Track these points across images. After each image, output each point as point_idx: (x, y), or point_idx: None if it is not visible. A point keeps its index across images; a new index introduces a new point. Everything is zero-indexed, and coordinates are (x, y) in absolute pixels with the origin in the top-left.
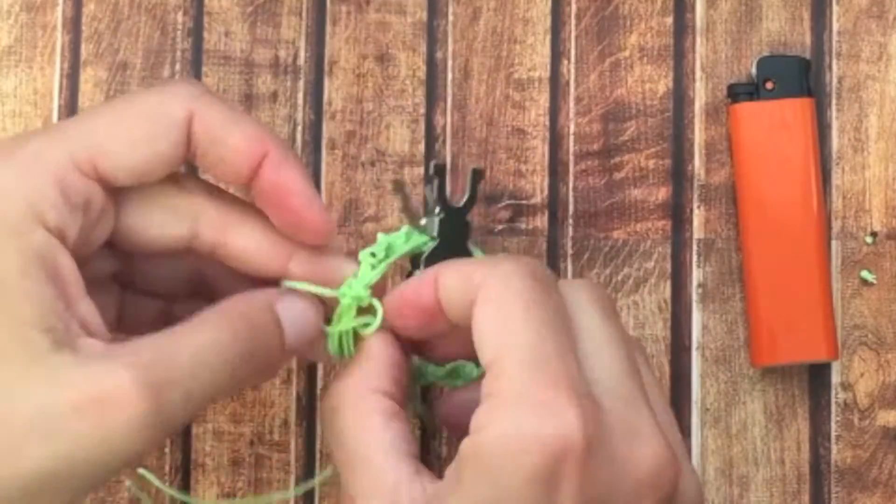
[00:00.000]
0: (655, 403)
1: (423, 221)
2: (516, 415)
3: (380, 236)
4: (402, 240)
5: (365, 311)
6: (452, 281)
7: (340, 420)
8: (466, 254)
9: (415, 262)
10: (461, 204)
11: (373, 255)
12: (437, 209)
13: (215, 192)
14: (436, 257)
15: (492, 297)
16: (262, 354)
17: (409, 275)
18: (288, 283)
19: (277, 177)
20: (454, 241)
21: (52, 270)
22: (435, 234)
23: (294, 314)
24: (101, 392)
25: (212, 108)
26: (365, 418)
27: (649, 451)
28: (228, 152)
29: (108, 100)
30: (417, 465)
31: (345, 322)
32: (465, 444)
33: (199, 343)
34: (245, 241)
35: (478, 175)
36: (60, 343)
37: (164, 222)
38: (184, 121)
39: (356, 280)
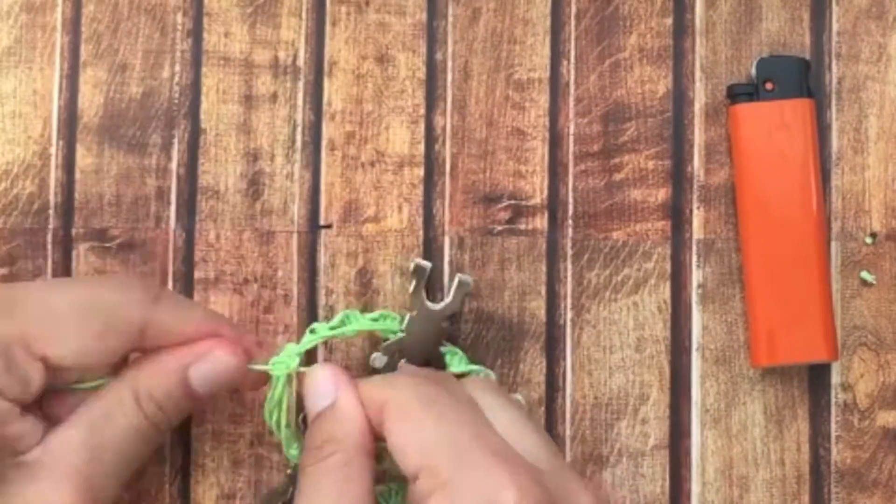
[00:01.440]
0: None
1: (396, 316)
2: (474, 495)
3: (342, 312)
4: (367, 322)
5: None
6: (363, 394)
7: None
8: (436, 355)
9: (383, 347)
10: (439, 308)
11: (312, 331)
12: (411, 306)
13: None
14: (404, 351)
15: (396, 413)
16: (175, 415)
17: (369, 358)
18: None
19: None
20: (425, 339)
21: None
22: (402, 327)
23: (204, 378)
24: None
25: (167, 314)
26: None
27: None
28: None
29: (72, 282)
30: None
31: (277, 394)
32: None
33: (117, 434)
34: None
35: (463, 286)
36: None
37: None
38: (138, 328)
39: (292, 347)
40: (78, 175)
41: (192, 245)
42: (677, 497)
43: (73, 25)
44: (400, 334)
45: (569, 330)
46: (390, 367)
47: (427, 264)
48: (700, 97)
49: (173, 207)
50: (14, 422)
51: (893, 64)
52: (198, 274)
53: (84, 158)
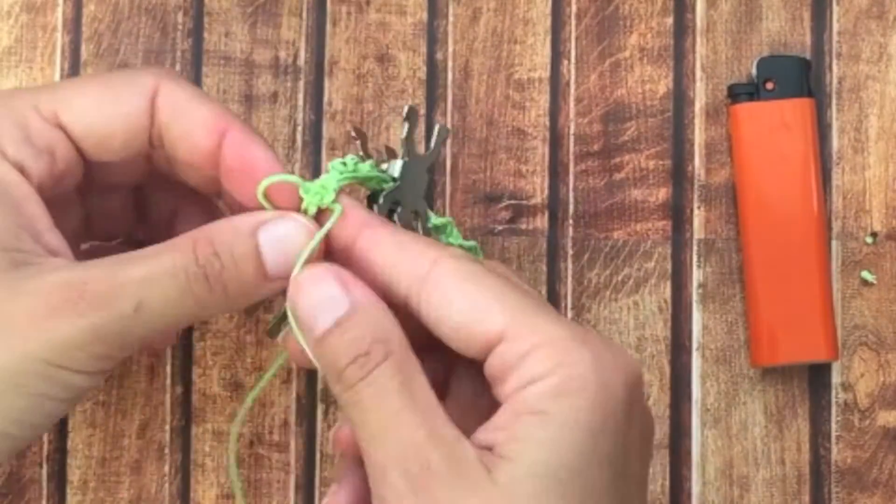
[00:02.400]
0: None
1: (388, 164)
2: (590, 355)
3: (349, 156)
4: (368, 168)
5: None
6: (395, 251)
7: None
8: (421, 204)
9: (373, 197)
10: (426, 154)
11: (343, 164)
12: (402, 153)
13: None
14: (399, 202)
15: (456, 271)
16: (236, 282)
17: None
18: (266, 181)
19: (244, 151)
20: (415, 188)
21: (13, 199)
22: (397, 175)
23: (279, 241)
24: (53, 300)
25: (178, 85)
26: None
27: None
28: (193, 125)
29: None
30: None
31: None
32: (533, 391)
33: (154, 262)
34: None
35: (442, 133)
36: (19, 262)
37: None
38: (150, 89)
39: (325, 179)
40: None
41: None
42: (677, 497)
43: (74, 25)
44: (397, 182)
45: None
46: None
47: (416, 108)
48: (700, 97)
49: None
50: (35, 208)
51: (894, 63)
52: None
53: None
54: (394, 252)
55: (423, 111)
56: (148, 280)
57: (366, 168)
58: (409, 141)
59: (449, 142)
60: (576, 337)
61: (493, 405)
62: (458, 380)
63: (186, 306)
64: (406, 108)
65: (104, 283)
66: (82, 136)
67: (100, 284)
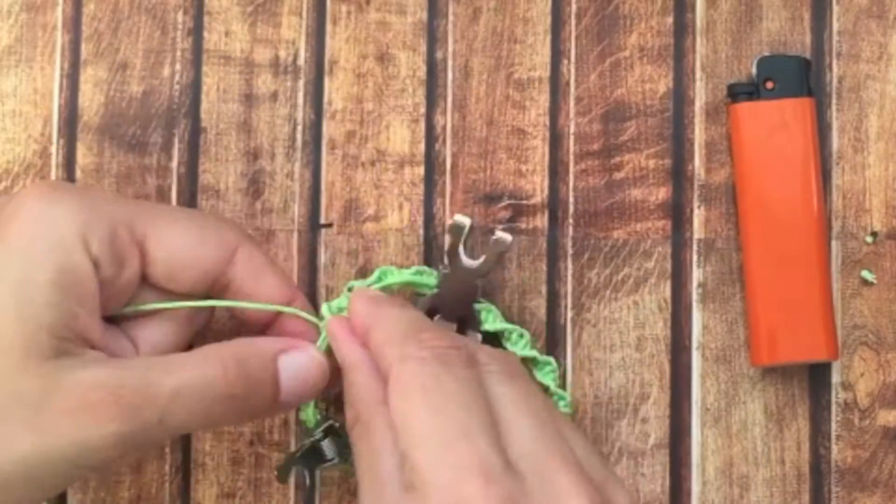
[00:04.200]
0: (576, 447)
1: (433, 273)
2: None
3: (380, 268)
4: (407, 276)
5: None
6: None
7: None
8: (470, 313)
9: (418, 303)
10: (475, 266)
11: (349, 289)
12: (444, 264)
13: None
14: (438, 308)
15: (397, 387)
16: (253, 402)
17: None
18: (278, 308)
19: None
20: (459, 297)
21: (79, 290)
22: (436, 283)
23: (295, 370)
24: (84, 401)
25: (256, 248)
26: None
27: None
28: (264, 291)
29: (175, 206)
30: None
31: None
32: None
33: (185, 376)
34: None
35: (500, 244)
36: (63, 352)
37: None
38: (233, 244)
39: (326, 308)
40: (78, 174)
41: None
42: (677, 496)
43: (74, 24)
44: (434, 290)
45: (569, 329)
46: None
47: (466, 220)
48: (700, 96)
49: None
50: (93, 303)
51: (894, 63)
52: None
53: (84, 157)
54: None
55: (423, 110)
56: (177, 394)
57: (403, 276)
58: (451, 254)
59: (449, 141)
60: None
61: None
62: None
63: (207, 420)
64: (451, 221)
65: (137, 391)
66: (158, 263)
67: (133, 392)
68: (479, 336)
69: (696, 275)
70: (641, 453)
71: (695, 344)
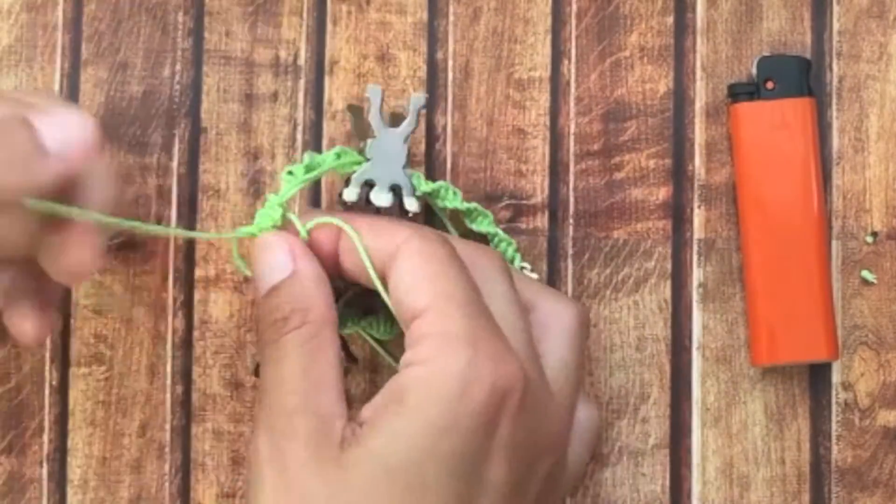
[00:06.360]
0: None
1: (361, 145)
2: (469, 355)
3: (306, 155)
4: (332, 158)
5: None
6: (368, 235)
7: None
8: (400, 177)
9: (352, 181)
10: (399, 130)
11: (290, 173)
12: (367, 137)
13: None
14: (373, 180)
15: (419, 252)
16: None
17: (340, 195)
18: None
19: None
20: (390, 163)
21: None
22: (367, 155)
23: (54, 125)
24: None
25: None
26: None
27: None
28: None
29: None
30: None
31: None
32: (409, 374)
33: None
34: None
35: (417, 102)
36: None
37: None
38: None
39: (274, 196)
40: None
41: (193, 244)
42: (678, 496)
43: (74, 24)
44: (366, 163)
45: None
46: (362, 200)
47: (378, 88)
48: (701, 96)
49: (174, 206)
50: None
51: (894, 63)
52: (198, 272)
53: None
54: (378, 224)
55: (423, 110)
56: None
57: (329, 159)
58: (373, 120)
59: (449, 141)
60: (469, 336)
61: None
62: None
63: None
64: (367, 92)
65: None
66: None
67: None
68: (416, 201)
69: (697, 275)
70: (641, 453)
71: (695, 344)
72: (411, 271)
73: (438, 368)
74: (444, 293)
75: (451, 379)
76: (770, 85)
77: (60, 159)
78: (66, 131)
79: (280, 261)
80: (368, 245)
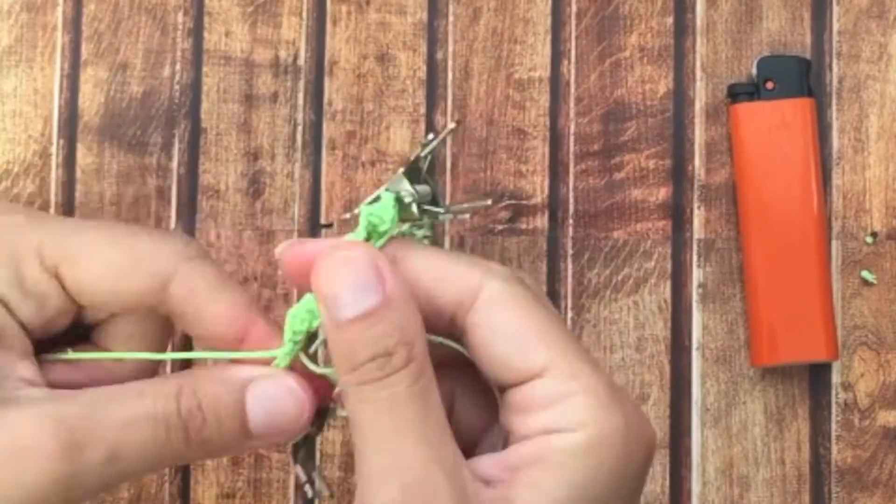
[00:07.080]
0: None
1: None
2: (621, 415)
3: (362, 212)
4: (390, 214)
5: None
6: (437, 277)
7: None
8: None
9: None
10: (443, 209)
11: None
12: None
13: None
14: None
15: (503, 299)
16: (216, 438)
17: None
18: (232, 354)
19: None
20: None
21: None
22: (445, 207)
23: (265, 401)
24: (20, 441)
25: (205, 267)
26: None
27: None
28: (209, 322)
29: (104, 222)
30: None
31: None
32: (555, 441)
33: (134, 408)
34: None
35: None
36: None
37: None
38: (165, 274)
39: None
40: (79, 174)
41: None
42: (677, 496)
43: (74, 24)
44: (444, 212)
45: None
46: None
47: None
48: (701, 96)
49: (174, 207)
50: (13, 339)
51: (894, 63)
52: None
53: (85, 158)
54: (441, 266)
55: (423, 111)
56: (126, 426)
57: (388, 220)
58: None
59: (449, 141)
60: (612, 393)
61: (485, 426)
62: (462, 396)
63: (162, 457)
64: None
65: (80, 426)
66: (80, 294)
67: (75, 427)
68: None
69: (696, 275)
70: None
71: (695, 344)
72: (508, 324)
73: (598, 435)
74: (557, 346)
75: (614, 447)
76: (770, 85)
77: (261, 442)
78: (275, 414)
79: (370, 281)
80: (441, 278)
